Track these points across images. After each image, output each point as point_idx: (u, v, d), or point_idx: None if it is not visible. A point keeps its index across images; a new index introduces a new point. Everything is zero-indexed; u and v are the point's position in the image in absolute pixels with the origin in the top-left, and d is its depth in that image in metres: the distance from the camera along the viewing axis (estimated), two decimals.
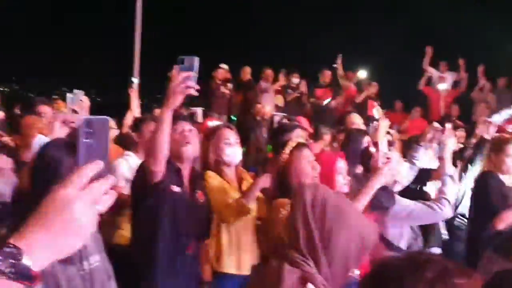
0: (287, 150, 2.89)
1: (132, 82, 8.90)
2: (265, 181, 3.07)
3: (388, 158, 2.78)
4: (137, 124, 4.32)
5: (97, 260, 2.10)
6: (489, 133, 4.50)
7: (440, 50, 11.30)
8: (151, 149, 2.62)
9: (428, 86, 11.14)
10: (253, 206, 3.21)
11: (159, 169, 2.69)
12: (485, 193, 4.01)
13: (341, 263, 1.65)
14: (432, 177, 4.52)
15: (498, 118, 5.72)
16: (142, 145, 3.90)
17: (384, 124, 5.29)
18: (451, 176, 3.54)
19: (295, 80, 10.90)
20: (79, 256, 2.01)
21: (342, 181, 3.19)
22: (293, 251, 1.66)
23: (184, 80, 2.40)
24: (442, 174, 3.60)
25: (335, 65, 10.94)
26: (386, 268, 1.20)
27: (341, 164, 3.22)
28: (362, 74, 11.87)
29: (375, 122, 5.24)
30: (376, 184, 2.84)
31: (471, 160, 4.74)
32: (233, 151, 3.35)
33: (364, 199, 2.76)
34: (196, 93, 2.45)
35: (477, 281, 1.14)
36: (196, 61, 2.44)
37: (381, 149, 2.82)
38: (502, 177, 4.10)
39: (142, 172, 2.76)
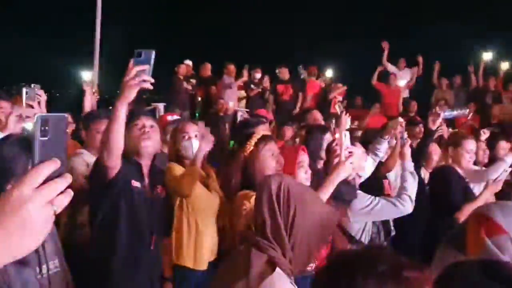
0: (252, 142, 2.88)
1: (85, 79, 8.67)
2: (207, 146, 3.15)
3: (350, 153, 2.80)
4: (84, 122, 4.22)
5: (56, 265, 2.05)
6: (434, 126, 4.53)
7: (400, 47, 11.51)
8: (105, 144, 2.57)
9: (381, 82, 11.34)
10: (215, 201, 3.22)
11: (114, 164, 2.65)
12: (446, 187, 4.08)
13: (303, 247, 1.76)
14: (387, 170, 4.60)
15: (449, 114, 5.84)
16: (90, 143, 3.82)
17: (345, 119, 5.39)
18: (411, 173, 3.60)
19: (258, 75, 10.93)
20: (37, 259, 1.96)
21: (304, 175, 3.20)
22: (260, 237, 1.77)
23: (139, 73, 2.37)
24: (403, 169, 3.66)
25: (299, 67, 11.01)
26: (339, 262, 1.21)
27: (303, 158, 3.21)
28: (329, 73, 12.01)
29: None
30: (336, 178, 2.83)
31: (418, 151, 4.80)
32: (188, 143, 3.36)
33: (325, 193, 2.76)
34: (151, 87, 2.42)
35: (428, 275, 1.16)
36: (152, 54, 2.40)
37: (343, 143, 2.83)
38: (460, 171, 4.20)
39: (98, 168, 2.71)
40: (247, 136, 2.94)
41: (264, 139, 2.91)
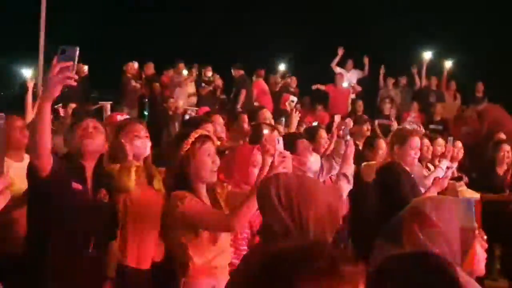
0: (189, 141, 2.85)
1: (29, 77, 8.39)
2: None
3: (283, 157, 2.80)
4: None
5: None
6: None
7: (347, 48, 11.73)
8: (32, 143, 2.52)
9: (330, 84, 11.52)
10: (158, 201, 3.18)
11: (44, 163, 2.59)
12: (392, 184, 4.12)
13: (318, 235, 1.79)
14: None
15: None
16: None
17: (296, 118, 5.46)
18: (344, 175, 3.59)
19: (209, 73, 10.90)
20: None
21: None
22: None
23: (63, 70, 2.33)
24: (339, 170, 3.66)
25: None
26: (274, 259, 1.18)
27: (258, 157, 3.18)
28: (281, 67, 12.07)
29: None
30: None
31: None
32: (142, 142, 3.32)
33: (254, 200, 2.71)
34: (74, 84, 2.38)
35: (363, 268, 1.17)
36: (77, 51, 2.37)
37: (277, 148, 2.83)
38: (406, 167, 4.25)
39: (29, 168, 2.65)
40: (184, 136, 2.90)
41: (201, 138, 2.87)
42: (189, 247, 2.78)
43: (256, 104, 9.66)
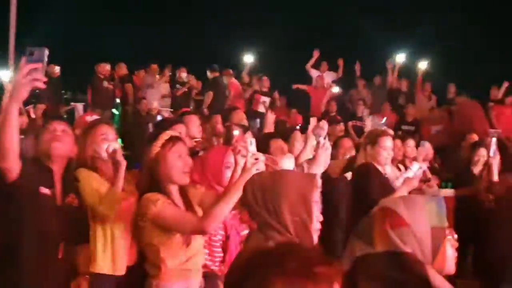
0: (159, 143, 2.82)
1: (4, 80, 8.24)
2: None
3: (256, 159, 2.79)
4: None
5: None
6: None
7: (321, 50, 11.80)
8: None
9: (310, 86, 11.60)
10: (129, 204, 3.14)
11: (12, 166, 2.53)
12: (366, 184, 4.14)
13: (300, 224, 1.90)
14: None
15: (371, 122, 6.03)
16: None
17: (271, 118, 5.47)
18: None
19: (183, 75, 10.85)
20: None
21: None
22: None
23: (31, 72, 2.29)
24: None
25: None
26: (248, 261, 1.19)
27: (232, 159, 3.15)
28: (249, 58, 12.01)
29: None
30: (240, 184, 2.60)
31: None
32: (111, 146, 3.25)
33: (229, 198, 2.65)
34: (43, 86, 2.34)
35: (338, 269, 1.17)
36: (45, 52, 2.33)
37: (249, 149, 2.82)
38: (379, 168, 4.30)
39: None
40: (154, 138, 2.87)
41: (171, 140, 2.84)
42: (161, 249, 2.75)
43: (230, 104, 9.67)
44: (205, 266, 3.05)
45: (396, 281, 1.56)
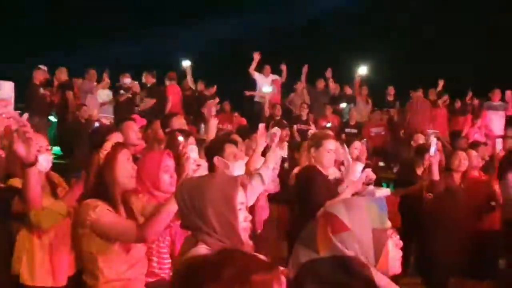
0: (108, 147, 2.76)
1: None
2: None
3: (198, 165, 2.76)
4: None
5: None
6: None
7: (264, 54, 11.86)
8: None
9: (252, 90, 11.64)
10: (64, 212, 3.01)
11: None
12: (310, 187, 4.15)
13: (226, 224, 1.93)
14: None
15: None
16: None
17: (214, 124, 5.42)
18: (259, 174, 3.74)
19: (127, 80, 10.62)
20: None
21: (168, 179, 3.14)
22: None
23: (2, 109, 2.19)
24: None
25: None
26: (186, 269, 1.19)
27: (168, 163, 3.16)
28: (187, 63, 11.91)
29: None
30: None
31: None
32: (43, 158, 3.12)
33: (170, 206, 2.62)
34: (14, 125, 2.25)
35: (276, 275, 1.16)
36: (11, 87, 2.24)
37: (191, 156, 2.79)
38: (323, 170, 4.30)
39: None
40: (99, 145, 2.80)
41: (116, 146, 2.80)
42: (100, 258, 2.67)
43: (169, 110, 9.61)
44: (154, 274, 3.00)
45: (342, 285, 1.55)
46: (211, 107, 6.65)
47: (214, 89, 11.11)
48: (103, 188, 2.71)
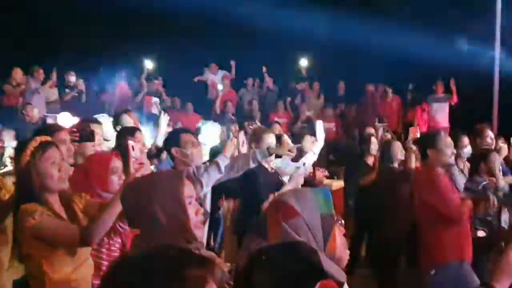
0: (28, 151, 2.61)
1: None
2: None
3: (140, 164, 2.72)
4: None
5: None
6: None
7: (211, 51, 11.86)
8: None
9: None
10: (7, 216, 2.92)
11: None
12: (253, 179, 4.25)
13: (175, 222, 1.90)
14: None
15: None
16: None
17: (165, 120, 5.39)
18: (216, 163, 3.91)
19: (72, 78, 10.38)
20: None
21: (117, 181, 3.09)
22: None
23: None
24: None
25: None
26: (117, 268, 1.17)
27: (116, 164, 3.10)
28: (149, 64, 11.83)
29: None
30: None
31: None
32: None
33: (113, 207, 2.55)
34: None
35: (212, 270, 1.16)
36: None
37: (132, 154, 2.74)
38: (265, 165, 4.40)
39: None
40: (23, 145, 2.65)
41: (41, 147, 2.64)
42: (44, 262, 2.58)
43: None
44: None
45: (292, 271, 1.57)
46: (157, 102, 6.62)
47: (157, 85, 10.92)
48: (29, 192, 2.59)
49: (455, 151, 4.18)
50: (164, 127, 5.40)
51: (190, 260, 1.15)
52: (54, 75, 10.20)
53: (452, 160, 4.15)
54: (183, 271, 1.12)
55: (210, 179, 3.89)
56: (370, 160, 6.32)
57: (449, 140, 4.08)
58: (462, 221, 3.80)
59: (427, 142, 4.10)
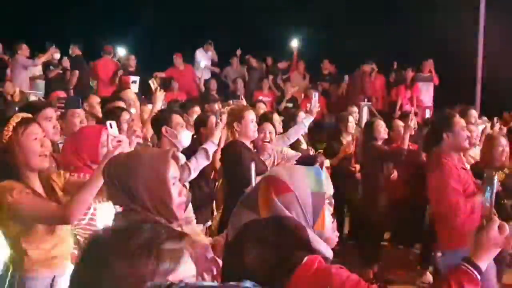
0: (10, 127, 2.58)
1: None
2: None
3: (118, 142, 2.71)
4: None
5: None
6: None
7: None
8: None
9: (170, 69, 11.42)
10: None
11: None
12: (236, 161, 4.13)
13: (158, 202, 1.92)
14: None
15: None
16: None
17: (161, 96, 5.36)
18: (204, 149, 3.93)
19: (56, 55, 10.20)
20: None
21: None
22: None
23: None
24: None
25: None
26: (93, 246, 1.16)
27: (106, 137, 3.11)
28: (121, 51, 11.71)
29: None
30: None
31: None
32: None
33: (92, 185, 2.55)
34: None
35: (188, 245, 1.18)
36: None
37: (111, 133, 2.73)
38: (247, 143, 4.33)
39: None
40: (3, 122, 2.62)
41: (23, 122, 2.61)
42: (23, 240, 2.58)
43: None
44: None
45: (279, 245, 1.61)
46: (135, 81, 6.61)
47: (134, 62, 10.73)
48: (10, 170, 2.57)
49: (469, 134, 3.93)
50: (160, 104, 5.36)
51: (163, 234, 1.16)
52: (52, 50, 9.98)
53: (467, 144, 3.85)
54: (158, 245, 1.13)
55: (199, 165, 3.88)
56: (346, 139, 6.37)
57: (463, 121, 3.85)
58: (457, 220, 3.55)
59: (443, 123, 3.84)
